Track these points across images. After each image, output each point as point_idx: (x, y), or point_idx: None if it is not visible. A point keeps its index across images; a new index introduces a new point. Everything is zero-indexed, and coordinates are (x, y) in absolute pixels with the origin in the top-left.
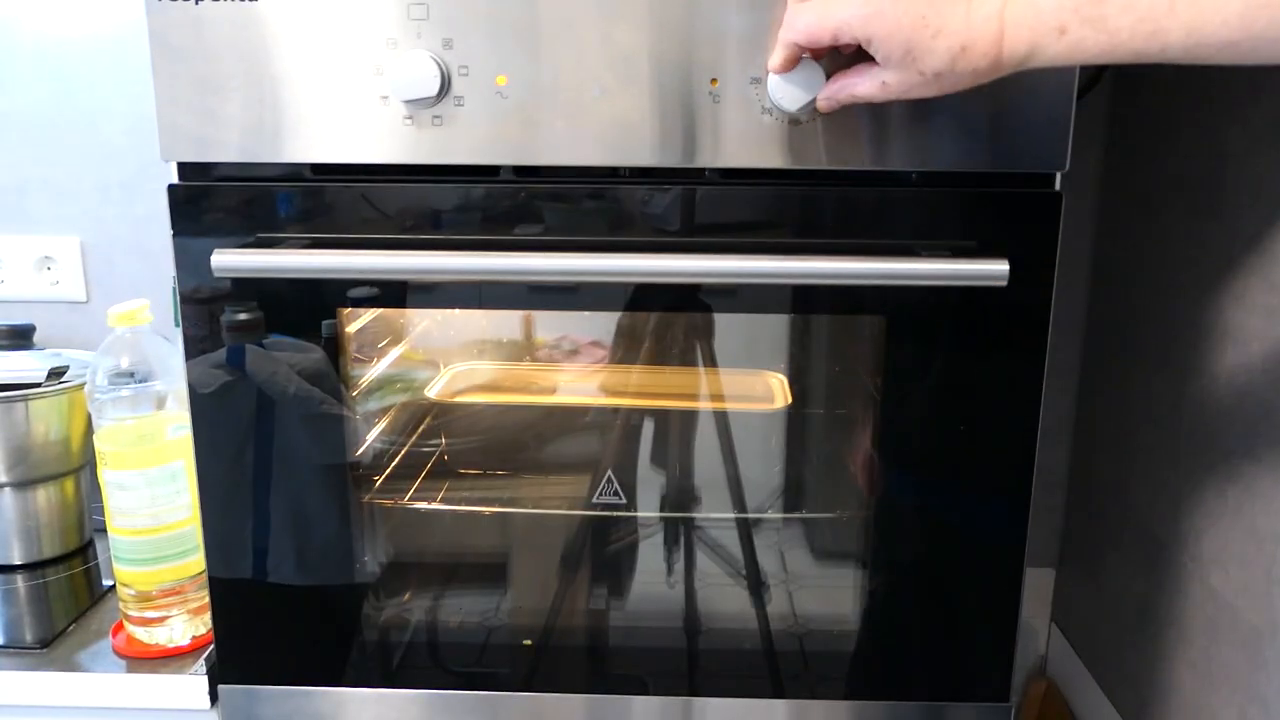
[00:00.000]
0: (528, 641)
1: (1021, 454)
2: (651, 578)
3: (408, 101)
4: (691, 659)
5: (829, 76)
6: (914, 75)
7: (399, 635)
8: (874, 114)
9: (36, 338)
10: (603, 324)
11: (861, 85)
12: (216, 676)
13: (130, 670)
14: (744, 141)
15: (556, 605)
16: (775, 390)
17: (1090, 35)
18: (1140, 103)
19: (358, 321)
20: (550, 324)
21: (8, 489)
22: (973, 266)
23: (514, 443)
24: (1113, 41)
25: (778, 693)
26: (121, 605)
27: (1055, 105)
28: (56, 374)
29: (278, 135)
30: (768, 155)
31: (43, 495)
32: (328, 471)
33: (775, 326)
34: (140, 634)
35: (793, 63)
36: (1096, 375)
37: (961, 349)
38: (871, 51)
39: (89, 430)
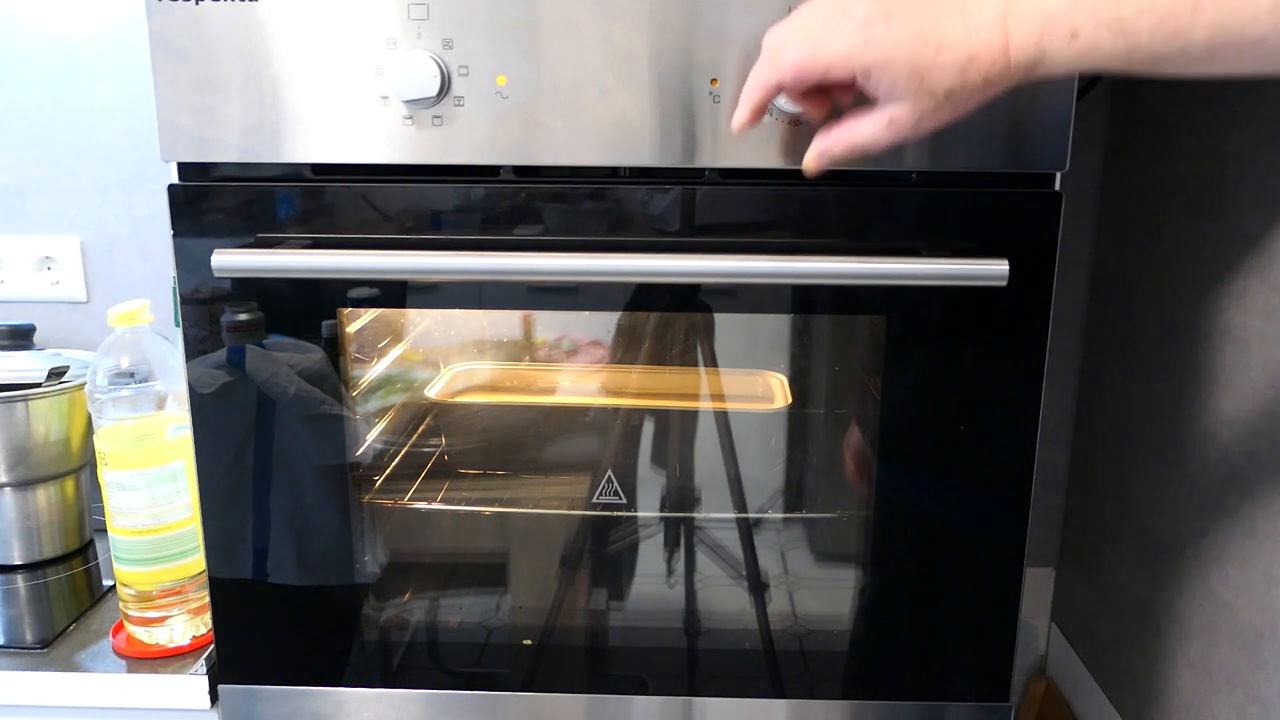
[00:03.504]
0: (528, 641)
1: (1021, 454)
2: (651, 578)
3: (408, 101)
4: (691, 659)
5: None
6: (925, 100)
7: (399, 635)
8: None
9: (36, 338)
10: (603, 324)
11: (862, 130)
12: (216, 676)
13: (130, 670)
14: (744, 141)
15: (556, 605)
16: (775, 390)
17: (1106, 39)
18: (1140, 103)
19: (358, 322)
20: (550, 324)
21: (8, 489)
22: (973, 266)
23: (514, 443)
24: (1131, 45)
25: (778, 693)
26: (121, 605)
27: (1055, 105)
28: (56, 374)
29: (277, 135)
30: (768, 155)
31: (43, 495)
32: (328, 472)
33: (775, 326)
34: (140, 634)
35: (763, 111)
36: (1096, 375)
37: (961, 349)
38: (870, 87)
39: (89, 430)
